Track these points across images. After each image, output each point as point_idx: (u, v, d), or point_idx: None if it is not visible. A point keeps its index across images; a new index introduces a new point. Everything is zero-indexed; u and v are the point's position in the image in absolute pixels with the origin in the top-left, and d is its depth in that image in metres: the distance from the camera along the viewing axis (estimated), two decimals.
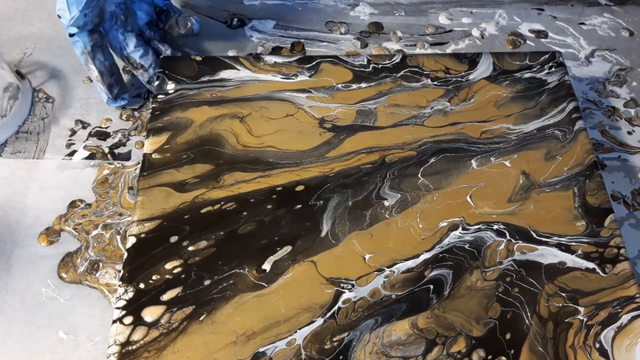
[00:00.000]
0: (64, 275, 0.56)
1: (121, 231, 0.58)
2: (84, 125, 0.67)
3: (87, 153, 0.64)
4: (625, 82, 0.72)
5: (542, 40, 0.76)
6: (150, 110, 0.57)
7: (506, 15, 0.79)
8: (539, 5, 0.80)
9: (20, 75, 0.70)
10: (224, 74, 0.61)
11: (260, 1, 0.79)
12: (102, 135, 0.66)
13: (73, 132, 0.66)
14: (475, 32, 0.76)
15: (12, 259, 0.57)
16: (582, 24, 0.78)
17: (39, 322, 0.53)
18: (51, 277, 0.56)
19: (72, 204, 0.60)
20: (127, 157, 0.64)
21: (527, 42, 0.75)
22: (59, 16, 0.58)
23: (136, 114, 0.67)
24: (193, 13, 0.73)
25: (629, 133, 0.67)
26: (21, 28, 0.75)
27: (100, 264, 0.56)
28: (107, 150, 0.64)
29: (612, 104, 0.69)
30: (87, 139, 0.65)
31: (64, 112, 0.68)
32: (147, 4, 0.65)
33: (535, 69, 0.61)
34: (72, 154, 0.64)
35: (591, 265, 0.49)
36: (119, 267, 0.56)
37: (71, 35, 0.60)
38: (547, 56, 0.62)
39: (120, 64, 0.68)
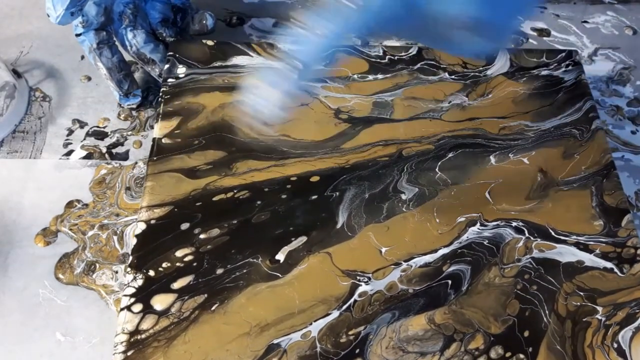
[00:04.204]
0: (61, 276, 0.54)
1: (118, 232, 0.57)
2: (82, 124, 0.65)
3: (84, 153, 0.63)
4: (629, 80, 0.71)
5: (544, 38, 0.75)
6: (160, 98, 0.56)
7: None
8: (542, 3, 0.79)
9: (16, 74, 0.68)
10: (237, 60, 0.59)
11: None
12: (100, 134, 0.64)
13: (70, 132, 0.64)
14: None
15: (9, 260, 0.55)
16: (585, 22, 0.78)
17: (36, 324, 0.52)
18: (48, 278, 0.54)
19: (69, 204, 0.59)
20: (124, 157, 0.63)
21: (530, 40, 0.75)
22: (48, 15, 0.58)
23: (134, 113, 0.66)
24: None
25: (633, 133, 0.67)
26: (18, 26, 0.73)
27: (97, 265, 0.55)
28: (104, 150, 0.63)
29: (616, 103, 0.69)
30: (84, 139, 0.64)
31: (61, 112, 0.66)
32: (161, 3, 0.64)
33: (552, 67, 0.60)
34: (69, 153, 0.63)
35: (609, 265, 0.48)
36: (116, 268, 0.55)
37: (77, 35, 0.60)
38: (563, 54, 0.61)
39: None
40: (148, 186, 0.50)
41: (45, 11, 0.58)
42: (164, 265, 0.46)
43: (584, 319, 0.46)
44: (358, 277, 0.47)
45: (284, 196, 0.50)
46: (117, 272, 0.55)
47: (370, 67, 0.59)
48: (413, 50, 0.61)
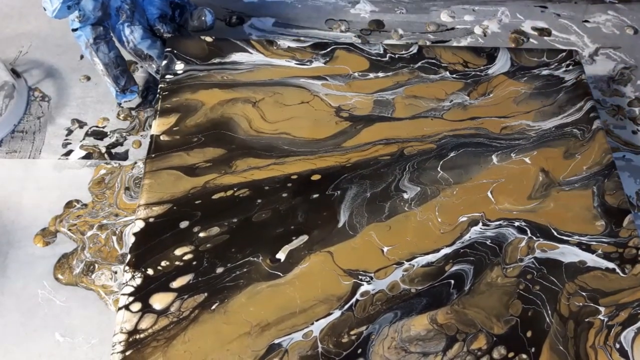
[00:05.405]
0: (60, 276, 0.54)
1: (117, 232, 0.56)
2: (81, 124, 0.65)
3: (83, 153, 0.62)
4: (630, 80, 0.72)
5: (545, 38, 0.75)
6: (158, 94, 0.55)
7: (509, 12, 0.78)
8: (542, 2, 0.79)
9: (15, 73, 0.68)
10: (236, 56, 0.59)
11: None
12: (99, 134, 0.64)
13: (69, 132, 0.64)
14: (478, 30, 0.76)
15: (8, 260, 0.55)
16: (586, 21, 0.78)
17: (35, 324, 0.52)
18: (47, 279, 0.54)
19: (68, 205, 0.58)
20: (124, 157, 0.62)
21: (530, 40, 0.75)
22: (44, 8, 0.57)
23: (133, 113, 0.65)
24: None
25: (634, 132, 0.67)
26: (17, 26, 0.73)
27: (96, 266, 0.54)
28: (104, 150, 0.63)
29: (617, 102, 0.69)
30: (83, 139, 0.64)
31: (60, 111, 0.66)
32: None
33: (552, 67, 0.60)
34: (68, 153, 0.62)
35: (611, 265, 0.48)
36: (115, 268, 0.54)
37: (74, 30, 0.60)
38: (564, 54, 0.61)
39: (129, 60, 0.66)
40: (146, 184, 0.49)
41: (44, 11, 0.57)
42: (163, 263, 0.46)
43: (587, 320, 0.45)
44: (360, 277, 0.46)
45: (284, 195, 0.50)
46: (116, 273, 0.54)
47: (370, 65, 0.59)
48: (414, 49, 0.60)
